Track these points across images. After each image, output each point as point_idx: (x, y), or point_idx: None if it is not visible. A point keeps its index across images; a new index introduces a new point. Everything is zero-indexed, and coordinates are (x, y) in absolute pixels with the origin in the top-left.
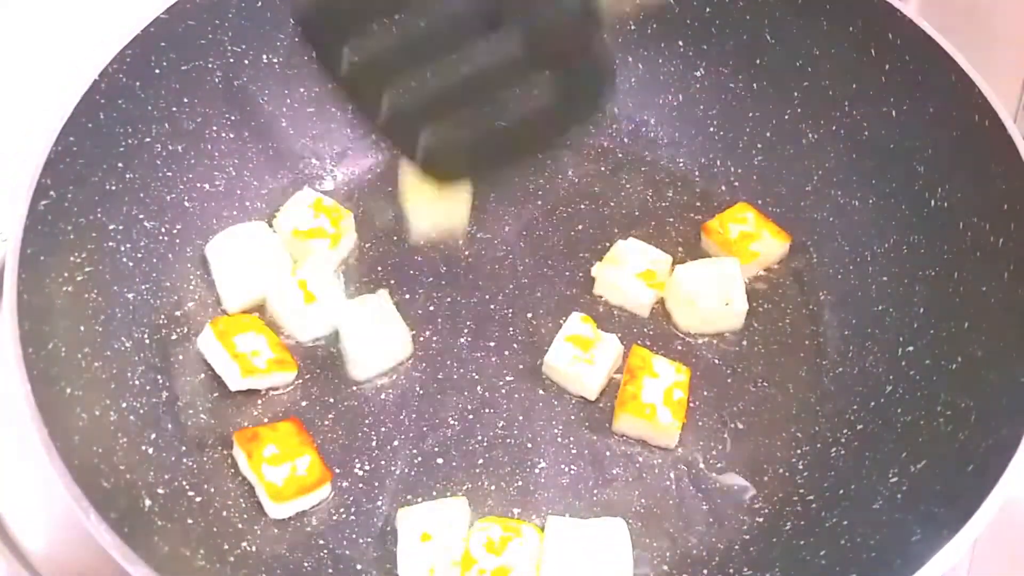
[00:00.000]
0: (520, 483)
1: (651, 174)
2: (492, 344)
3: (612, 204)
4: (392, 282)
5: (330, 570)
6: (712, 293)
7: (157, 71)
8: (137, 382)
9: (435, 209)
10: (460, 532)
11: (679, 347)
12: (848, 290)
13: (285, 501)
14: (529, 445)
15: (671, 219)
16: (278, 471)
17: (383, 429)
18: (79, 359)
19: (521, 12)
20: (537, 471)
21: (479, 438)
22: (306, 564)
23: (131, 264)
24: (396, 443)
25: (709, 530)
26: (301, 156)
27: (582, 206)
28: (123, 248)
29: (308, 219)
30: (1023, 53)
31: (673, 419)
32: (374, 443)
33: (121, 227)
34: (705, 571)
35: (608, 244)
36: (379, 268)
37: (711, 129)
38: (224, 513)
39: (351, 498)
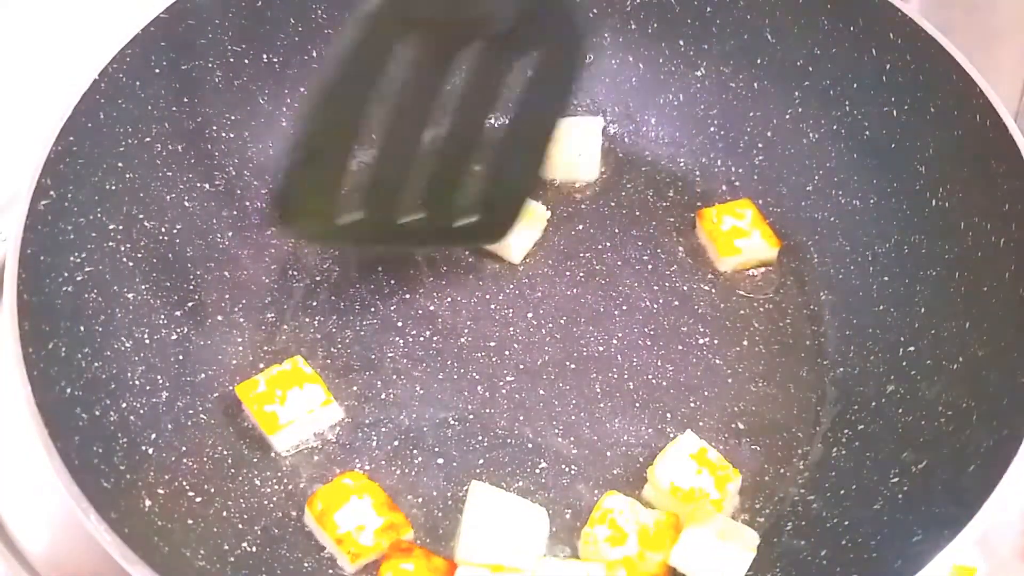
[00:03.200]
0: (520, 484)
1: (651, 174)
2: (492, 344)
3: (612, 204)
4: (392, 281)
5: (330, 571)
6: (570, 146)
7: (157, 71)
8: (137, 382)
9: (516, 227)
10: None
11: (680, 346)
12: (849, 290)
13: None
14: (529, 446)
15: (671, 218)
16: None
17: (383, 429)
18: (79, 359)
19: None
20: (538, 471)
21: (479, 438)
22: (306, 564)
23: (131, 264)
24: (396, 443)
25: None
26: None
27: (582, 206)
28: (123, 248)
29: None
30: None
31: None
32: (374, 443)
33: (121, 227)
34: None
35: (608, 244)
36: (379, 267)
37: (712, 129)
38: (224, 513)
39: None
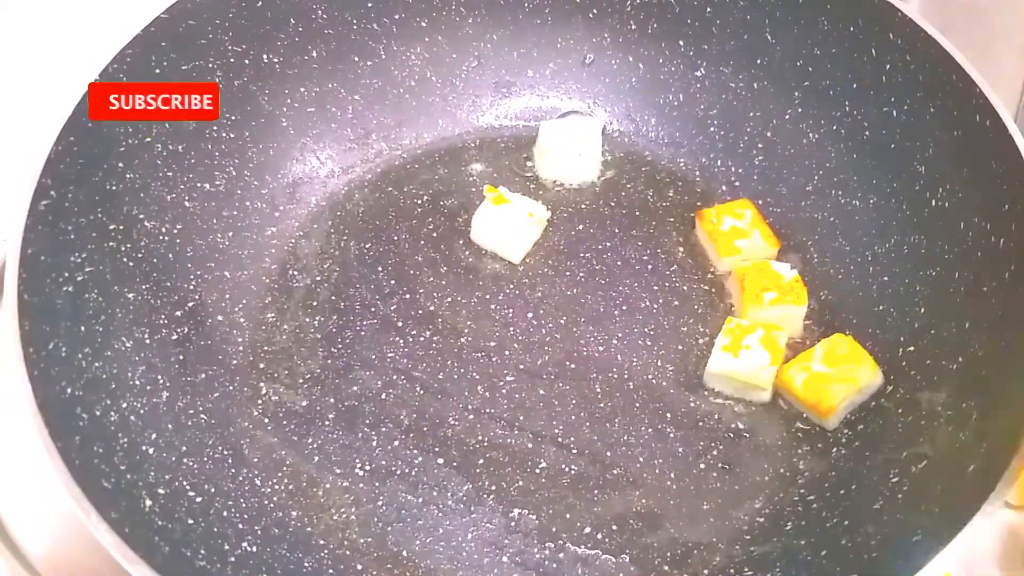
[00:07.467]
0: (521, 483)
1: (652, 174)
2: (492, 344)
3: (612, 204)
4: (393, 281)
5: (330, 571)
6: (570, 146)
7: (157, 71)
8: (137, 382)
9: (517, 227)
10: None
11: (680, 346)
12: (849, 290)
13: None
14: (530, 445)
15: (671, 219)
16: None
17: (383, 429)
18: (79, 359)
19: None
20: (538, 471)
21: (479, 438)
22: (306, 564)
23: (131, 264)
24: (396, 443)
25: (710, 530)
26: (301, 156)
27: (582, 206)
28: (123, 248)
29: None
30: (1023, 53)
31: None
32: (375, 443)
33: (121, 227)
34: (706, 571)
35: (608, 244)
36: (379, 268)
37: (712, 129)
38: (225, 513)
39: (351, 498)
